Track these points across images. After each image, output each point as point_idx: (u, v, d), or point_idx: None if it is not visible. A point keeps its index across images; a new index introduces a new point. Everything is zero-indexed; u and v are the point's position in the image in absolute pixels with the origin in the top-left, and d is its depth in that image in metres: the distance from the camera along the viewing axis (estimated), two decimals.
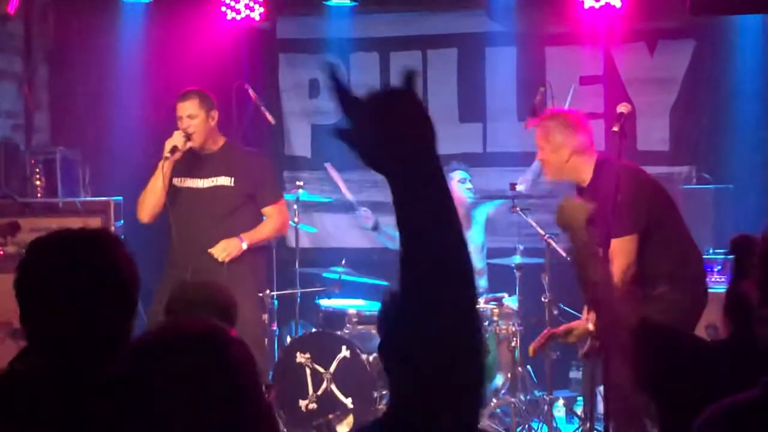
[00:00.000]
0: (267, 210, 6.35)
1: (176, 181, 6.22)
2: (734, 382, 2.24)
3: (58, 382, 2.34)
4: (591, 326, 5.02)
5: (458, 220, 1.68)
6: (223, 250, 6.08)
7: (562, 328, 5.78)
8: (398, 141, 1.63)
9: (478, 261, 7.59)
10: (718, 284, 6.41)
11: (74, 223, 7.46)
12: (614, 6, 8.05)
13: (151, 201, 6.16)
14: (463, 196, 7.65)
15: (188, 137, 6.12)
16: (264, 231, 6.34)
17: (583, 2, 8.04)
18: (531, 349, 6.03)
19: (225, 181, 6.22)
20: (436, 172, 1.66)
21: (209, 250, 6.09)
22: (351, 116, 1.65)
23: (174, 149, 6.09)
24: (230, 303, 3.92)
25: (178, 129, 6.17)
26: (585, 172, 5.38)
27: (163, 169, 6.10)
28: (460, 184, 7.67)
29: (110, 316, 2.44)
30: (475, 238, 7.74)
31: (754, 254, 2.81)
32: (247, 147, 6.71)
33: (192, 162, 6.23)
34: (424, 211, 1.66)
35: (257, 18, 8.74)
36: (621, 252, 5.12)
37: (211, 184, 6.22)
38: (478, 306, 1.74)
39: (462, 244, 1.68)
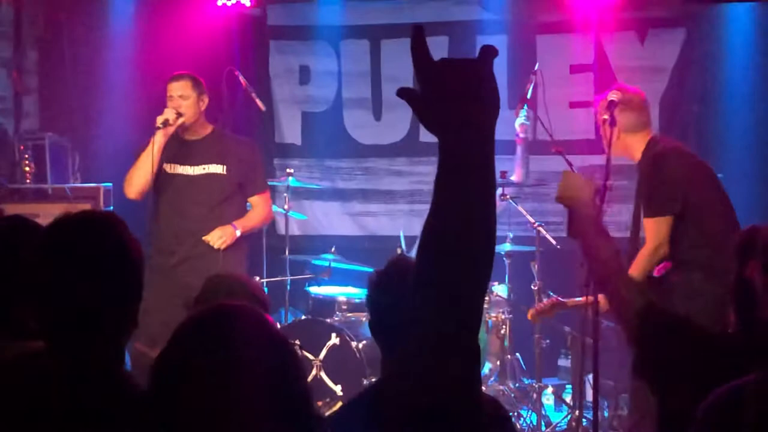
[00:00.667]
0: (254, 199, 6.33)
1: (166, 167, 6.17)
2: (737, 375, 2.24)
3: (62, 362, 2.35)
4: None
5: (494, 199, 1.71)
6: (219, 238, 6.07)
7: (580, 300, 5.79)
8: (466, 106, 1.67)
9: None
10: None
11: (63, 209, 7.47)
12: None
13: (141, 177, 6.05)
14: None
15: (179, 114, 6.07)
16: (254, 219, 6.33)
17: None
18: (531, 312, 6.05)
19: (217, 168, 6.18)
20: (487, 143, 1.69)
21: (204, 238, 6.07)
22: (425, 76, 1.71)
23: (166, 122, 6.01)
24: (266, 298, 3.92)
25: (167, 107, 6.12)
26: (635, 150, 5.40)
27: (154, 143, 6.01)
28: None
29: (121, 297, 2.47)
30: None
31: (758, 242, 2.82)
32: (235, 134, 6.68)
33: (182, 148, 6.19)
34: (464, 179, 1.67)
35: (248, 4, 8.72)
36: (650, 233, 5.16)
37: (203, 172, 6.18)
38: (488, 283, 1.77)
39: (492, 220, 1.70)
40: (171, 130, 6.04)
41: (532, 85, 6.88)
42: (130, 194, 6.15)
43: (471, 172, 1.67)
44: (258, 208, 6.35)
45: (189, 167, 6.19)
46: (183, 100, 6.09)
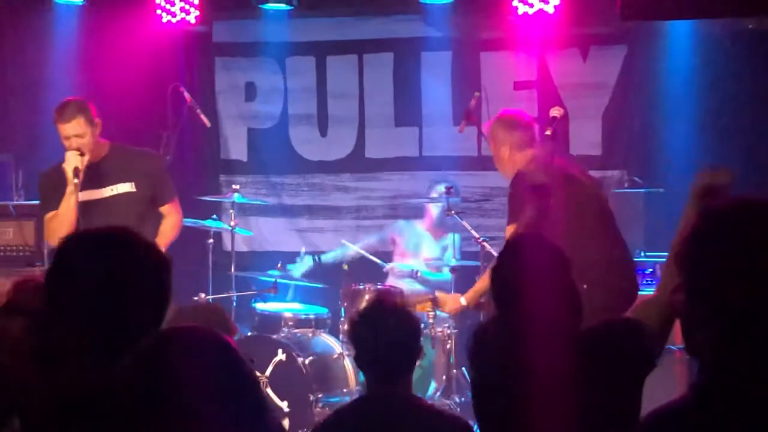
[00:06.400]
0: (165, 208, 6.18)
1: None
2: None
3: None
4: (464, 301, 5.95)
5: None
6: None
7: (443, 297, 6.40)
8: None
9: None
10: (648, 287, 6.50)
11: (8, 227, 7.42)
12: (547, 12, 8.12)
13: (64, 227, 5.77)
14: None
15: (82, 154, 5.84)
16: (171, 232, 6.17)
17: (517, 8, 8.09)
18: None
19: (126, 187, 6.03)
20: None
21: None
22: None
23: (76, 171, 5.79)
24: (232, 325, 4.17)
25: (66, 149, 5.87)
26: (519, 167, 5.57)
27: (71, 196, 5.80)
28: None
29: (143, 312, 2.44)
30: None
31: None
32: (134, 146, 6.38)
33: (86, 173, 5.91)
34: None
35: (193, 21, 8.68)
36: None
37: (113, 193, 6.02)
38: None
39: None
40: (82, 175, 5.82)
41: (472, 105, 6.97)
42: (53, 242, 5.98)
43: None
44: (170, 217, 6.19)
45: (97, 191, 6.02)
46: (81, 138, 5.86)
